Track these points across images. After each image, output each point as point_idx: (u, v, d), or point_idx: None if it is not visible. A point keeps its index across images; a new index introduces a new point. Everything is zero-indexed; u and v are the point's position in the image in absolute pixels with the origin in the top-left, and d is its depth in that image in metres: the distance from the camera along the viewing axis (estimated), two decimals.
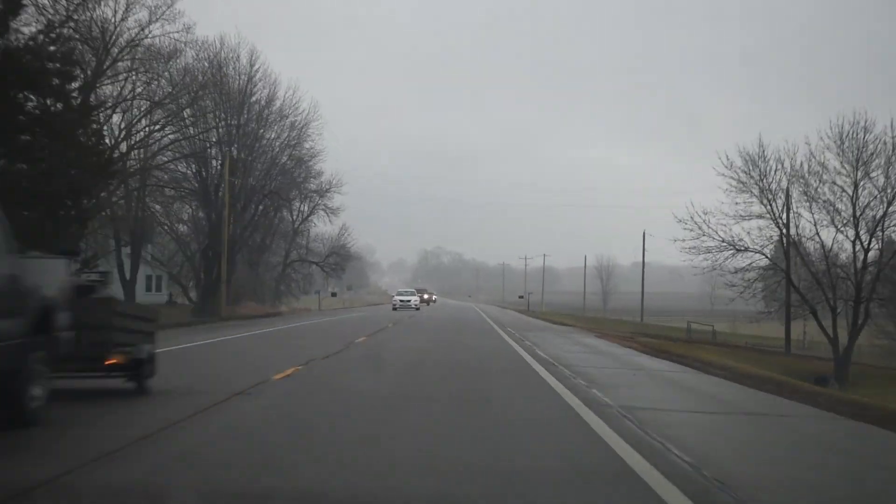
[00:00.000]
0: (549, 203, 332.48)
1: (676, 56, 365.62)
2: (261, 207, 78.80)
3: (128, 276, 58.26)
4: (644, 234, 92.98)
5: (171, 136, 56.95)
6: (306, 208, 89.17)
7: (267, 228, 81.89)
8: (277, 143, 68.34)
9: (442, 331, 32.56)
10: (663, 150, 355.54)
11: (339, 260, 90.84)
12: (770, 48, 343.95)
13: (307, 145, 73.02)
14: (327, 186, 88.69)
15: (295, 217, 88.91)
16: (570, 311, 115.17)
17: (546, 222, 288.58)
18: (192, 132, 59.26)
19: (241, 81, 65.25)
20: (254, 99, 66.46)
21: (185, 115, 56.96)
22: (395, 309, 76.35)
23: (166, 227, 70.35)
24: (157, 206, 69.32)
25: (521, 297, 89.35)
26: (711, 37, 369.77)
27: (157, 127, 55.15)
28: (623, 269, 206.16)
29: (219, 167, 64.40)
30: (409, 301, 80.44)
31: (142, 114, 53.83)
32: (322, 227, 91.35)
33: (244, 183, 66.94)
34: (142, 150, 55.18)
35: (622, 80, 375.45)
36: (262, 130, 67.49)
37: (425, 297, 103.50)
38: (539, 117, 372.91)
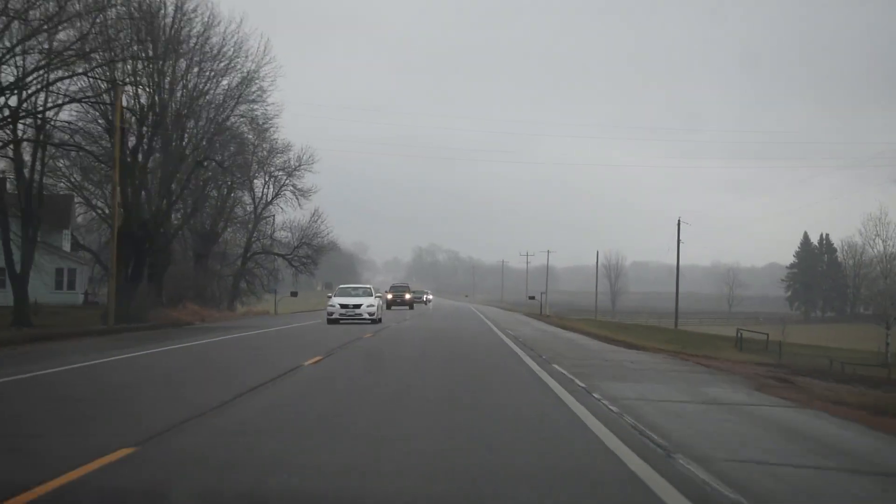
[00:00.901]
0: (546, 201, 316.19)
1: (674, 52, 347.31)
2: (212, 191, 59.96)
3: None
4: (679, 222, 74.14)
5: (60, 73, 38.23)
6: (271, 190, 70.20)
7: (218, 212, 62.82)
8: (210, 83, 48.70)
9: (414, 392, 12.24)
10: (660, 147, 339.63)
11: (310, 252, 71.66)
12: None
13: (258, 107, 53.79)
14: (296, 163, 69.73)
15: (258, 200, 69.86)
16: (579, 313, 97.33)
17: (543, 220, 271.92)
18: (91, 66, 39.73)
19: (166, 10, 46.02)
20: (184, 33, 47.17)
21: (88, 50, 37.93)
22: (332, 321, 39.80)
23: (99, 211, 51.58)
24: (90, 186, 51.56)
25: (531, 297, 69.32)
26: (709, 34, 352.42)
27: (44, 62, 36.68)
28: (621, 269, 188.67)
29: (136, 122, 45.47)
30: (356, 308, 39.82)
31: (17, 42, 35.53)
32: (291, 214, 72.42)
33: (176, 144, 47.80)
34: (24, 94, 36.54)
35: (618, 77, 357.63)
36: (194, 75, 48.19)
37: (407, 297, 73.39)
38: (535, 114, 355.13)
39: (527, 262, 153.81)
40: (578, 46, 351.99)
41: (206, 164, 51.51)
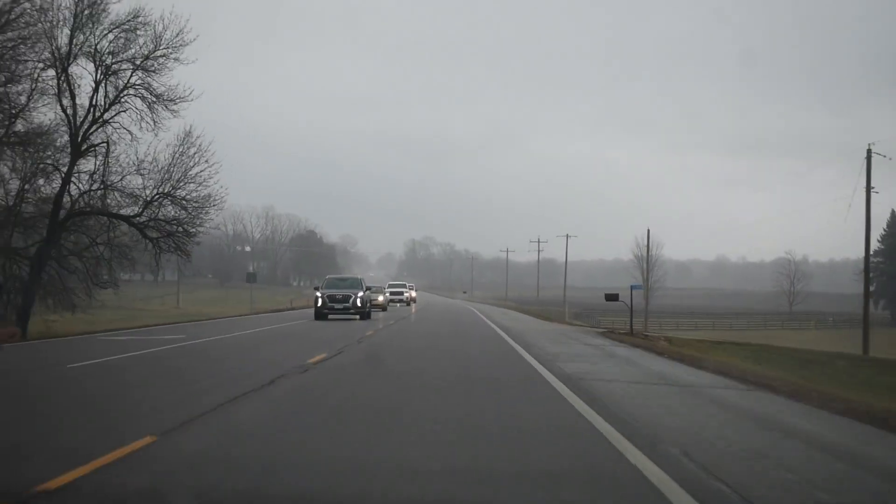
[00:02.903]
0: (545, 197, 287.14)
1: (669, 48, 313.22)
2: None
3: None
4: (869, 152, 38.60)
5: None
6: (103, 94, 33.92)
7: None
8: None
9: None
10: (656, 142, 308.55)
11: (181, 214, 35.13)
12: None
13: None
14: (152, 45, 33.57)
15: (78, 114, 33.53)
16: (603, 314, 64.40)
17: (542, 216, 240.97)
18: None
19: None
20: None
21: None
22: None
23: None
24: None
25: (611, 297, 32.89)
26: (707, 31, 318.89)
27: None
28: (625, 265, 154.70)
29: None
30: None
31: None
32: (149, 142, 36.12)
33: None
34: None
35: (612, 74, 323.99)
36: None
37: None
38: (530, 109, 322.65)
39: (538, 250, 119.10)
40: (575, 42, 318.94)
41: None
